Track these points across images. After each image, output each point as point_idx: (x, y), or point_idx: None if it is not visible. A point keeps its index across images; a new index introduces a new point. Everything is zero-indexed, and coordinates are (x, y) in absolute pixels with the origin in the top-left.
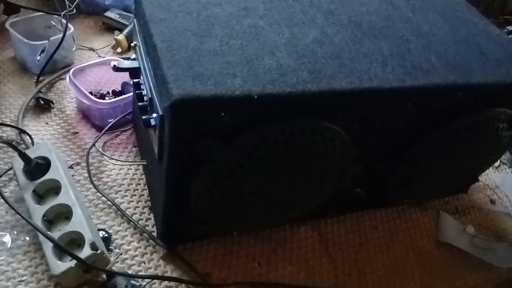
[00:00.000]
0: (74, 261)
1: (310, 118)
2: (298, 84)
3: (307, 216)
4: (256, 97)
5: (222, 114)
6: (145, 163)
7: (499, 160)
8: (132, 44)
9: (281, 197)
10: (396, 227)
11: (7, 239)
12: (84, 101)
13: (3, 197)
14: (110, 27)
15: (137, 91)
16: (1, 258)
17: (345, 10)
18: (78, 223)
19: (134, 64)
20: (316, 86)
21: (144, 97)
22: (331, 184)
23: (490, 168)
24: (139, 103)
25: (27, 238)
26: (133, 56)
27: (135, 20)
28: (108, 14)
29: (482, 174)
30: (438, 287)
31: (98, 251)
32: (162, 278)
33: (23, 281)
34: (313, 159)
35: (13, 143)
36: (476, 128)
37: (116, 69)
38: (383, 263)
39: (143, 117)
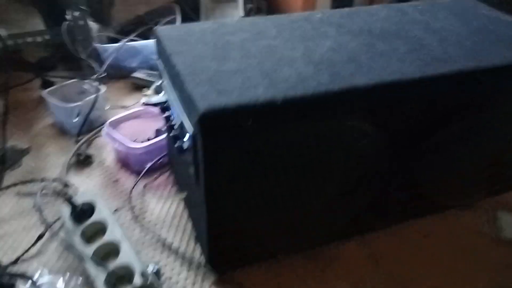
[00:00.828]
0: None
1: (335, 117)
2: (320, 86)
3: (352, 230)
4: (279, 102)
5: (250, 121)
6: (185, 195)
7: None
8: (159, 83)
9: (317, 205)
10: (448, 232)
11: (60, 282)
12: (121, 148)
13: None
14: (139, 86)
15: (168, 124)
16: None
17: (354, 22)
18: (126, 256)
19: (162, 99)
20: (338, 86)
21: (174, 126)
22: (367, 187)
23: None
24: (171, 134)
25: (79, 280)
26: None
27: (159, 60)
28: (136, 74)
29: None
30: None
31: (149, 279)
32: None
33: None
34: (344, 157)
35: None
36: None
37: (145, 105)
38: (441, 270)
39: (176, 145)
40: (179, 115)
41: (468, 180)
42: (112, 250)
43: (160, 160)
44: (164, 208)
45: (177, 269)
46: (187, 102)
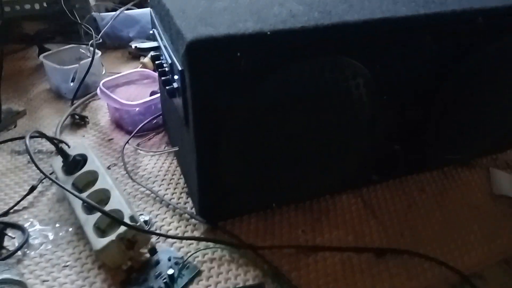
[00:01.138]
0: (115, 235)
1: (327, 54)
2: (310, 21)
3: (348, 183)
4: (268, 33)
5: (238, 54)
6: (177, 149)
7: None
8: (150, 32)
9: (312, 152)
10: (445, 186)
11: (50, 233)
12: (115, 106)
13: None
14: (136, 56)
15: (159, 69)
16: (46, 249)
17: None
18: (116, 202)
19: (153, 44)
20: (329, 21)
21: (166, 68)
22: (363, 135)
23: None
24: (162, 78)
25: (70, 229)
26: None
27: (150, 10)
28: (133, 44)
29: None
30: (504, 235)
31: (138, 224)
32: (206, 240)
33: (67, 266)
34: (339, 101)
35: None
36: (504, 58)
37: (137, 49)
38: (436, 220)
39: (167, 88)
40: (169, 56)
41: (466, 132)
42: (103, 199)
43: (155, 121)
44: (157, 164)
45: (168, 219)
46: (176, 38)
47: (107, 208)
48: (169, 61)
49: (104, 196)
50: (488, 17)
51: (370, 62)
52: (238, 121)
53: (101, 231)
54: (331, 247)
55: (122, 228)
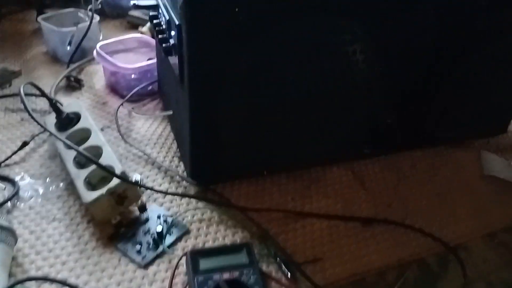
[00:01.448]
0: (106, 189)
1: (325, 14)
2: None
3: (340, 154)
4: None
5: (236, 9)
6: (171, 113)
7: None
8: None
9: (305, 116)
10: (436, 164)
11: (41, 187)
12: (111, 69)
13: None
14: (135, 25)
15: (157, 28)
16: (36, 201)
17: None
18: (108, 158)
19: (152, 1)
20: None
21: (163, 26)
22: (357, 103)
23: None
24: (159, 36)
25: (61, 185)
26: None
27: None
28: (132, 13)
29: None
30: (490, 211)
31: (129, 180)
32: (195, 197)
33: (56, 219)
34: (335, 65)
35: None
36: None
37: (136, 6)
38: (426, 193)
39: (163, 46)
40: (166, 13)
41: (461, 110)
42: (95, 156)
43: (150, 87)
44: (151, 128)
45: (159, 180)
46: None
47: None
48: (167, 18)
49: (96, 153)
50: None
51: (370, 28)
52: (233, 77)
53: (92, 186)
54: (319, 214)
55: (113, 182)
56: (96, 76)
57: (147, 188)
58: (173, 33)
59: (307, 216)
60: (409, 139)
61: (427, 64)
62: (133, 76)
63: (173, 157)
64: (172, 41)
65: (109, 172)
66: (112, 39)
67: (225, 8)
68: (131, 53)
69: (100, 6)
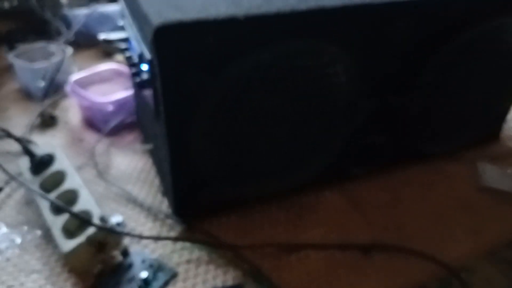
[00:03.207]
0: (84, 237)
1: (302, 39)
2: (286, 6)
3: (329, 177)
4: (242, 18)
5: (210, 40)
6: (151, 146)
7: None
8: (120, 23)
9: (288, 140)
10: (431, 179)
11: (18, 236)
12: (86, 104)
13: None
14: (110, 54)
15: (129, 62)
16: (13, 253)
17: None
18: (85, 202)
19: (122, 35)
20: (305, 6)
21: (135, 60)
22: (342, 124)
23: None
24: (132, 71)
25: (39, 232)
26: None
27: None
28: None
29: None
30: (490, 228)
31: (108, 227)
32: (182, 239)
33: (35, 271)
34: (316, 88)
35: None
36: (485, 43)
37: (106, 42)
38: (422, 212)
39: (137, 81)
40: (138, 45)
41: (450, 123)
42: (72, 200)
43: (129, 119)
44: (131, 164)
45: (142, 220)
46: (144, 24)
47: (76, 208)
48: (139, 51)
49: (73, 196)
50: (467, 2)
51: (350, 48)
52: (209, 107)
53: (70, 233)
54: (314, 245)
55: (92, 230)
56: (71, 111)
57: (129, 235)
58: (145, 67)
59: (302, 248)
60: (399, 156)
61: (412, 78)
62: (110, 109)
63: (156, 192)
64: (145, 76)
65: (85, 221)
66: (86, 72)
67: (197, 41)
68: (107, 84)
69: (73, 38)
